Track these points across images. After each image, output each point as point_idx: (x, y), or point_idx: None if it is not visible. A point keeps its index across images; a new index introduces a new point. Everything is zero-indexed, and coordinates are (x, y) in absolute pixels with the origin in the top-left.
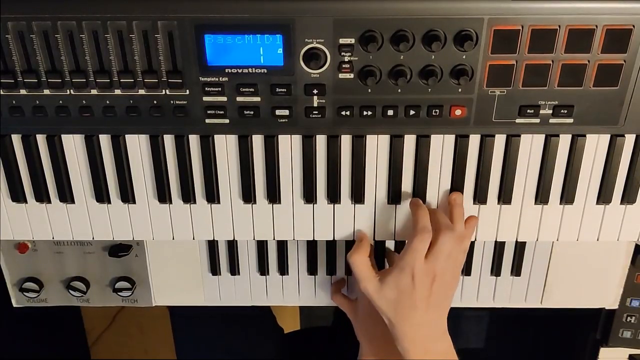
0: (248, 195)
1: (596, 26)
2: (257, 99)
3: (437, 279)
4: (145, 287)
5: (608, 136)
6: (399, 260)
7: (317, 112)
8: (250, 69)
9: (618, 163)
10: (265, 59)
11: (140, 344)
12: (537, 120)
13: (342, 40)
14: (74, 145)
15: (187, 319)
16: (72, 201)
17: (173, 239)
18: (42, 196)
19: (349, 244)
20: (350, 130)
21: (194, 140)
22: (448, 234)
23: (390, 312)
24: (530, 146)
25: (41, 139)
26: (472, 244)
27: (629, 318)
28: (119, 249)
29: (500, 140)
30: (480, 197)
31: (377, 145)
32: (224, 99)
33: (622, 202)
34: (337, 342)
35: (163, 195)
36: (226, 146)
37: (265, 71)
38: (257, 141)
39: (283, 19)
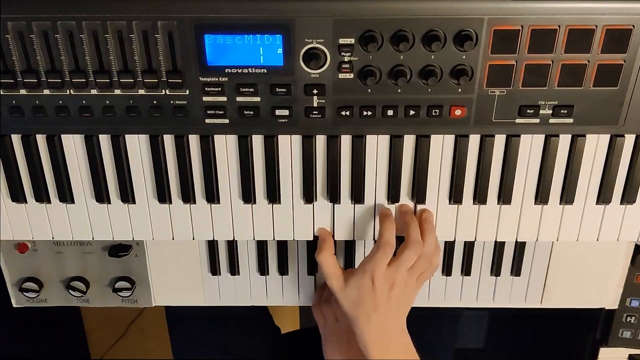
0: (248, 195)
1: (596, 26)
2: (257, 99)
3: (396, 286)
4: (145, 287)
5: (608, 136)
6: (362, 265)
7: (317, 112)
8: (250, 69)
9: (618, 163)
10: (265, 59)
11: (140, 344)
12: (537, 121)
13: (342, 40)
14: (74, 145)
15: (183, 320)
16: (72, 201)
17: (173, 239)
18: (42, 196)
19: (349, 244)
20: (350, 130)
21: (193, 140)
22: (415, 248)
23: (352, 310)
24: (530, 146)
25: (41, 139)
26: (472, 244)
27: (628, 318)
28: (118, 249)
29: (500, 141)
30: (480, 197)
31: (377, 145)
32: (224, 99)
33: (622, 202)
34: None
35: (163, 195)
36: (226, 146)
37: (265, 71)
38: (257, 141)
39: (283, 19)
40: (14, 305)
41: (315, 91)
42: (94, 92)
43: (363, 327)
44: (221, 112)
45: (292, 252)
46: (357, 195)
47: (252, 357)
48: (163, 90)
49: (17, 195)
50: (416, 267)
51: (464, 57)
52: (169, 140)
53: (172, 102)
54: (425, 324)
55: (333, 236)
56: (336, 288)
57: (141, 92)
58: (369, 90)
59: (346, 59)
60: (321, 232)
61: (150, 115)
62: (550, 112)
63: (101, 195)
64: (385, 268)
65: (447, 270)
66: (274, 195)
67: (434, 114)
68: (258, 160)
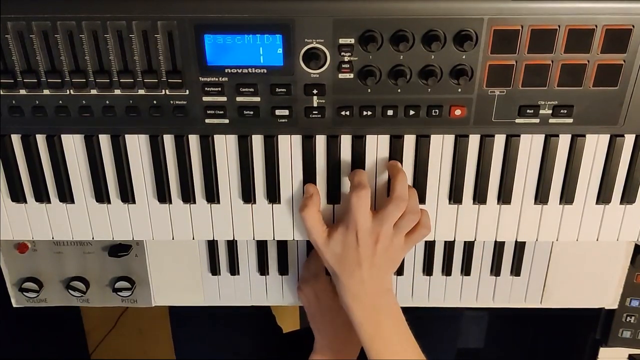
0: (248, 195)
1: (596, 26)
2: (257, 99)
3: (380, 242)
4: (145, 287)
5: (608, 136)
6: (345, 218)
7: (316, 112)
8: (250, 69)
9: (618, 163)
10: (265, 59)
11: (139, 345)
12: (537, 121)
13: (342, 40)
14: (73, 145)
15: (186, 319)
16: (72, 201)
17: (173, 239)
18: (42, 196)
19: None
20: (350, 130)
21: (193, 140)
22: (398, 203)
23: (336, 265)
24: (530, 146)
25: (41, 139)
26: (472, 243)
27: (628, 318)
28: (118, 249)
29: (500, 141)
30: (480, 197)
31: (377, 145)
32: (224, 99)
33: (621, 202)
34: None
35: (163, 195)
36: (226, 146)
37: (265, 71)
38: (257, 141)
39: (283, 19)
40: (14, 305)
41: (315, 91)
42: (94, 92)
43: (346, 282)
44: (221, 112)
45: (292, 252)
46: None
47: (255, 357)
48: (163, 90)
49: (17, 195)
50: (402, 224)
51: (463, 57)
52: (169, 140)
53: (172, 102)
54: (424, 324)
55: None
56: (320, 244)
57: (141, 92)
58: (369, 90)
59: (346, 59)
60: (308, 188)
61: (150, 115)
62: (550, 112)
63: (101, 195)
64: (368, 220)
65: (447, 270)
66: (274, 195)
67: (433, 114)
68: (258, 160)
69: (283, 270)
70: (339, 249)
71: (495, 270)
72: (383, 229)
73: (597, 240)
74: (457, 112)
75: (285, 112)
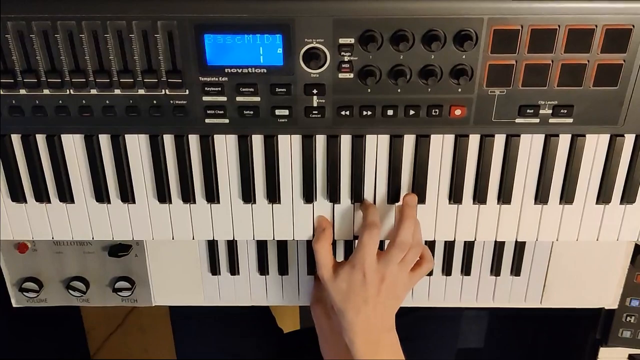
0: (248, 195)
1: (596, 26)
2: (257, 98)
3: (386, 281)
4: (145, 287)
5: (608, 136)
6: (352, 257)
7: (316, 112)
8: (249, 69)
9: (618, 163)
10: (265, 59)
11: (140, 344)
12: (537, 120)
13: (341, 40)
14: (73, 145)
15: (187, 319)
16: (72, 201)
17: (173, 239)
18: (41, 196)
19: (349, 244)
20: (350, 130)
21: (193, 140)
22: (402, 247)
23: (341, 302)
24: (530, 146)
25: (41, 139)
26: (472, 243)
27: (628, 318)
28: (118, 249)
29: (499, 140)
30: (480, 197)
31: (377, 145)
32: (224, 98)
33: (621, 202)
34: None
35: (163, 195)
36: (226, 146)
37: (265, 71)
38: (257, 141)
39: (283, 18)
40: (14, 305)
41: (315, 91)
42: (94, 92)
43: (351, 320)
44: (221, 112)
45: (292, 252)
46: (357, 195)
47: (255, 357)
48: (163, 90)
49: (17, 195)
50: (407, 259)
51: (463, 57)
52: (168, 140)
53: (172, 102)
54: (424, 324)
55: (333, 233)
56: (327, 279)
57: (141, 92)
58: (369, 90)
59: (346, 58)
60: (321, 221)
61: (150, 115)
62: (550, 112)
63: (101, 195)
64: (375, 258)
65: (447, 270)
66: (274, 195)
67: (433, 113)
68: (258, 160)
69: (283, 270)
70: (345, 286)
71: (495, 270)
72: (388, 269)
73: (597, 240)
74: (457, 112)
75: (285, 112)
